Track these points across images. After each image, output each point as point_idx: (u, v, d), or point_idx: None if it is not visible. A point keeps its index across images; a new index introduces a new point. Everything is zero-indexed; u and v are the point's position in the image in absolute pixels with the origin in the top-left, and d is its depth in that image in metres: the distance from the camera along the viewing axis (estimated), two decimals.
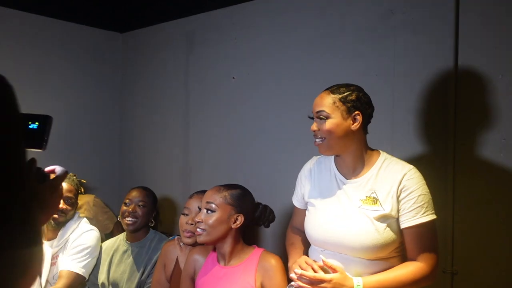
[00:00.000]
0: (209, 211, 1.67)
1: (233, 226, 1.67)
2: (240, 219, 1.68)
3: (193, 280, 1.77)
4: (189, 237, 1.86)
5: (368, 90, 2.02)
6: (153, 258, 2.12)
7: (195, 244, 1.87)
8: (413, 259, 1.41)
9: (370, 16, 2.06)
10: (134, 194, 2.24)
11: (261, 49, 2.49)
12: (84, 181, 2.29)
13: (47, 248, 2.11)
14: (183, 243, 1.93)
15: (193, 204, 1.89)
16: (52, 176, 0.89)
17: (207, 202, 1.69)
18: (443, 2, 1.84)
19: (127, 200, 2.22)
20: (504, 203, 1.71)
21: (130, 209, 2.17)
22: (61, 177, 0.87)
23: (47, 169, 0.87)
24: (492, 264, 1.73)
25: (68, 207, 2.14)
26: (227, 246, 1.68)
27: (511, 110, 1.70)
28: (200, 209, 1.84)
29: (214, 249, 1.76)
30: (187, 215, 1.90)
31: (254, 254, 1.68)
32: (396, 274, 1.37)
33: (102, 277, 2.16)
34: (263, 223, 1.79)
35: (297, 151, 2.19)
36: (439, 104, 1.85)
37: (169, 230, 2.90)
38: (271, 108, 2.43)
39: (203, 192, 1.91)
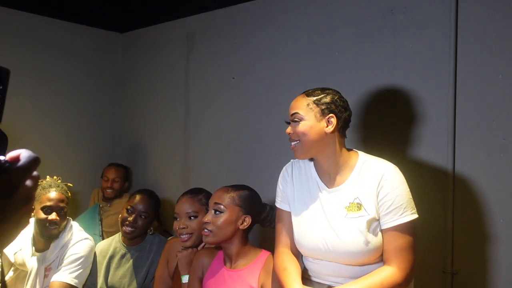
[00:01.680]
0: (217, 212, 1.65)
1: (241, 227, 1.66)
2: (248, 220, 1.67)
3: (202, 281, 1.76)
4: (186, 240, 1.84)
5: (368, 90, 2.03)
6: (156, 261, 2.09)
7: (193, 246, 1.86)
8: (387, 261, 1.37)
9: (370, 16, 2.06)
10: (138, 201, 2.13)
11: (261, 49, 2.49)
12: (71, 185, 2.16)
13: (38, 260, 2.01)
14: (182, 247, 1.91)
15: (180, 208, 1.87)
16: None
17: (215, 203, 1.66)
18: (443, 2, 1.84)
19: (129, 207, 2.11)
20: (504, 203, 1.71)
21: (131, 219, 2.08)
22: (25, 169, 0.54)
23: (8, 156, 0.54)
24: (492, 264, 1.73)
25: (61, 218, 2.01)
26: (233, 247, 1.67)
27: (511, 110, 1.70)
28: (191, 212, 1.84)
29: (222, 250, 1.75)
30: (177, 219, 1.87)
31: (260, 257, 1.67)
32: (363, 285, 1.32)
33: (99, 282, 2.11)
34: (270, 224, 1.78)
35: None
36: (439, 103, 1.85)
37: (169, 230, 2.90)
38: (271, 108, 2.43)
39: (189, 193, 1.91)
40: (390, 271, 1.34)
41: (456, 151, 1.81)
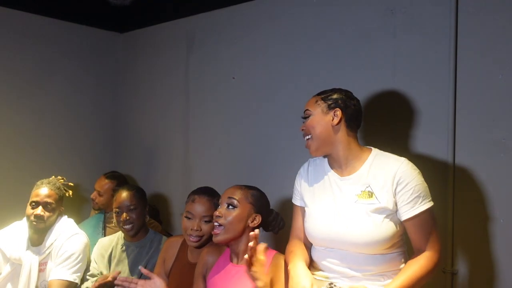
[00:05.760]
0: (230, 206, 1.67)
1: (251, 225, 1.68)
2: (258, 219, 1.70)
3: (205, 279, 1.77)
4: (195, 242, 1.84)
5: (368, 90, 2.03)
6: (155, 259, 2.10)
7: (201, 247, 1.86)
8: (420, 249, 1.42)
9: (370, 16, 2.06)
10: (121, 199, 2.12)
11: (261, 49, 2.49)
12: (72, 184, 2.20)
13: (33, 255, 2.06)
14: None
15: (197, 209, 1.84)
16: None
17: (229, 197, 1.68)
18: (443, 2, 1.84)
19: (117, 209, 2.12)
20: (504, 203, 1.71)
21: (123, 218, 2.09)
22: None
23: None
24: (492, 264, 1.73)
25: (47, 213, 2.06)
26: (241, 244, 1.68)
27: (511, 110, 1.70)
28: (207, 217, 1.84)
29: (228, 248, 1.75)
30: (190, 218, 1.85)
31: (267, 255, 1.66)
32: (410, 274, 1.38)
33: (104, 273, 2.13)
34: (273, 229, 1.81)
35: (297, 151, 2.19)
36: (439, 103, 1.85)
37: (170, 230, 2.90)
38: (271, 108, 2.43)
39: (206, 194, 1.89)
40: (427, 255, 1.40)
41: (456, 151, 1.81)
